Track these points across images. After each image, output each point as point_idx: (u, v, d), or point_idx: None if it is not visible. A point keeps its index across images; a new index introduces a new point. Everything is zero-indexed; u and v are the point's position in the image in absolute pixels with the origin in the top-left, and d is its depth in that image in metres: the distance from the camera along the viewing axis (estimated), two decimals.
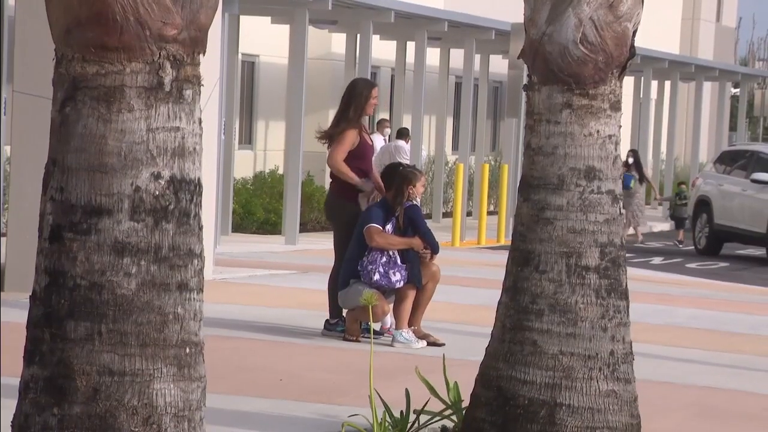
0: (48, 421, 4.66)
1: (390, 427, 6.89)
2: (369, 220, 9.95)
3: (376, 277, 9.86)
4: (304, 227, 19.81)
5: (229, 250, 16.64)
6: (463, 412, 6.82)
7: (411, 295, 9.99)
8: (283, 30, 21.19)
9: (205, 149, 5.04)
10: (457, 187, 21.37)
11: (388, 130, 21.26)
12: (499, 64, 26.95)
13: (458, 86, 27.06)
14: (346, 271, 10.05)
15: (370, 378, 6.76)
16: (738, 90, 37.96)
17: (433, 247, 10.04)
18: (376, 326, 10.32)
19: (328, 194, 10.51)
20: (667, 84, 32.21)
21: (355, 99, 10.21)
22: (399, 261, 9.94)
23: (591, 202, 6.42)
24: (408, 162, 12.62)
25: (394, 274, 9.93)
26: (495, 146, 30.75)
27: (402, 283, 9.95)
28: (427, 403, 7.08)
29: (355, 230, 10.06)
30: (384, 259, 9.92)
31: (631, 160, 23.92)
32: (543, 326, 6.38)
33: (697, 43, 42.34)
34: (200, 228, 4.81)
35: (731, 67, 37.03)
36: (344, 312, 10.36)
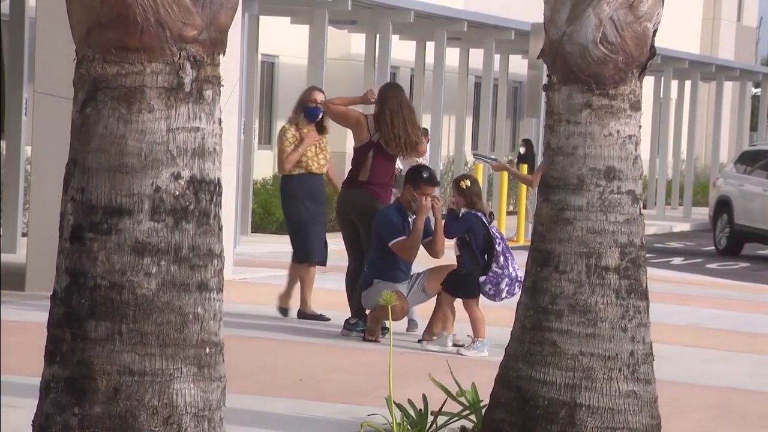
0: (69, 421, 4.67)
1: (409, 428, 6.89)
2: (388, 234, 9.92)
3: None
4: None
5: (249, 250, 16.65)
6: (483, 412, 6.82)
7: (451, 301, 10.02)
8: (303, 30, 21.19)
9: (225, 149, 5.04)
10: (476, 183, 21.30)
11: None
12: (518, 64, 26.91)
13: (478, 86, 27.03)
14: (370, 272, 10.07)
15: (389, 378, 6.76)
16: (759, 90, 37.83)
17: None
18: (401, 326, 10.33)
19: (362, 196, 10.29)
20: (688, 84, 32.11)
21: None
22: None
23: (611, 203, 6.41)
24: (426, 161, 12.64)
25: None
26: (514, 146, 30.72)
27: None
28: (444, 403, 7.07)
29: (373, 233, 10.06)
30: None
31: (522, 150, 22.42)
32: (563, 327, 6.37)
33: (717, 43, 42.21)
34: (220, 228, 4.82)
35: (752, 66, 36.89)
36: (367, 311, 10.37)
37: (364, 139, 10.36)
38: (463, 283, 9.85)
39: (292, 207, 11.09)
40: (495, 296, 9.91)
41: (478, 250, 9.82)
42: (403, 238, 9.91)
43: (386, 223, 9.99)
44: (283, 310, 11.23)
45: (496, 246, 9.89)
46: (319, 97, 11.05)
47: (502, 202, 21.82)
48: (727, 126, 38.90)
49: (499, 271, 9.84)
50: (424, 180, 10.06)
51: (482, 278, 9.82)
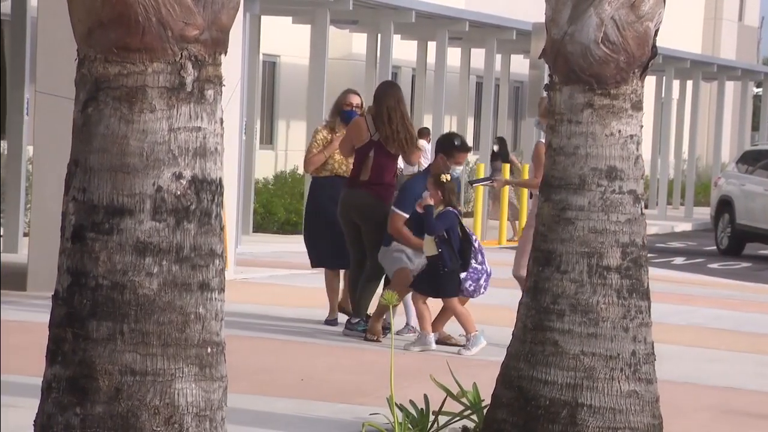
0: (70, 421, 4.68)
1: (411, 427, 6.89)
2: (398, 202, 9.86)
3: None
4: None
5: (250, 250, 16.66)
6: (484, 412, 6.82)
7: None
8: (304, 30, 21.20)
9: (227, 149, 5.05)
10: (478, 186, 21.35)
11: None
12: (520, 64, 26.90)
13: (479, 86, 27.03)
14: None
15: (391, 378, 6.76)
16: (760, 89, 37.83)
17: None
18: (398, 326, 10.33)
19: (363, 196, 10.22)
20: (689, 84, 32.10)
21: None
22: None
23: (612, 202, 6.41)
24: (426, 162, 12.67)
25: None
26: (516, 146, 30.72)
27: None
28: (444, 402, 7.07)
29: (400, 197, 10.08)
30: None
31: (496, 148, 22.52)
32: (564, 326, 6.37)
33: (719, 43, 42.21)
34: (221, 228, 4.82)
35: (754, 66, 36.88)
36: (368, 311, 10.38)
37: (365, 138, 10.37)
38: (445, 282, 9.74)
39: (308, 209, 11.07)
40: (474, 292, 9.88)
41: (456, 248, 9.78)
42: (405, 216, 9.86)
43: (405, 193, 9.94)
44: (332, 321, 10.78)
45: (474, 242, 9.86)
46: (355, 100, 10.93)
47: (503, 202, 21.83)
48: (728, 126, 38.89)
49: (479, 267, 9.83)
50: (457, 148, 10.03)
51: (463, 275, 9.78)
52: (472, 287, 9.82)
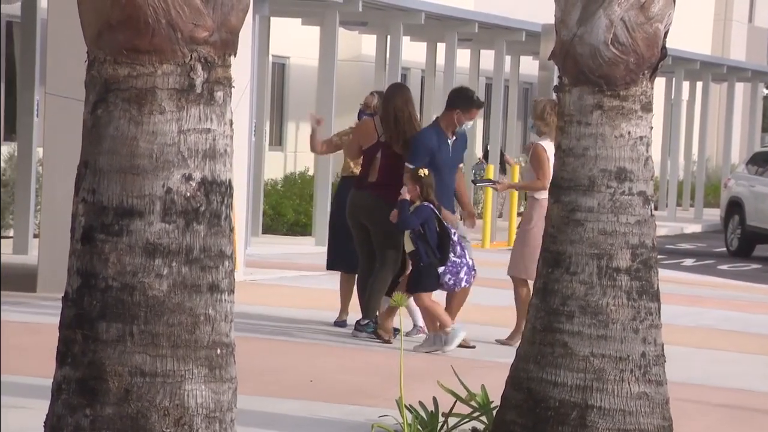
0: (80, 422, 4.68)
1: (420, 429, 6.89)
2: (412, 155, 9.88)
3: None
4: None
5: (260, 252, 16.67)
6: (493, 413, 6.82)
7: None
8: (314, 32, 21.21)
9: (236, 151, 5.05)
10: (487, 188, 21.33)
11: None
12: (529, 66, 26.89)
13: (489, 87, 27.02)
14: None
15: (400, 380, 6.76)
16: None
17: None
18: (407, 327, 10.33)
19: (369, 197, 10.24)
20: (699, 85, 32.06)
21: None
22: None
23: (622, 204, 6.41)
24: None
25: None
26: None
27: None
28: (454, 405, 7.07)
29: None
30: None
31: (489, 147, 22.44)
32: (574, 328, 6.36)
33: (729, 44, 42.15)
34: (231, 229, 4.83)
35: (764, 67, 36.80)
36: (377, 312, 10.38)
37: (372, 139, 10.39)
38: (422, 277, 9.67)
39: (330, 210, 11.21)
40: (455, 286, 9.84)
41: (433, 243, 9.75)
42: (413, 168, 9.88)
43: (415, 146, 9.91)
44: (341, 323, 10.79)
45: (452, 236, 9.84)
46: (369, 100, 11.10)
47: (513, 203, 21.82)
48: (738, 127, 38.83)
49: (458, 260, 9.79)
50: (475, 103, 10.06)
51: (441, 269, 9.75)
52: (451, 281, 9.81)
